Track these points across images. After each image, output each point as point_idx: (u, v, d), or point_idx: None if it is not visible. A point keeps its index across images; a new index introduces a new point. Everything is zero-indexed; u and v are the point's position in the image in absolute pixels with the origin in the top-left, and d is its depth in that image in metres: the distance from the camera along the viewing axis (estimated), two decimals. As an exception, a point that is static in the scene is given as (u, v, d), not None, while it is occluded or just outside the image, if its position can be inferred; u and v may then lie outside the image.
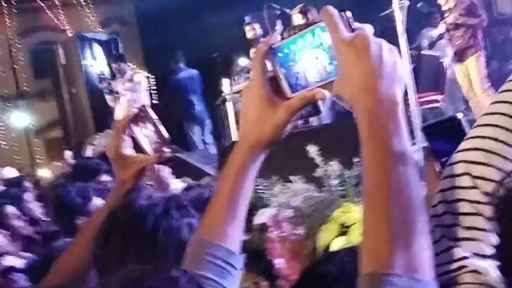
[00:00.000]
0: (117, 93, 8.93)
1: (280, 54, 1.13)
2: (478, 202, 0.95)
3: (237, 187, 1.19)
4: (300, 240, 2.68)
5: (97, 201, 3.03)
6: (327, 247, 2.64)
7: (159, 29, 11.25)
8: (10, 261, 3.79)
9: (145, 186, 1.92)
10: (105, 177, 3.98)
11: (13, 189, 5.38)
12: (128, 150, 1.74)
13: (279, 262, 2.69)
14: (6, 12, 15.65)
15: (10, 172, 7.96)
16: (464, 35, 7.45)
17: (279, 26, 6.87)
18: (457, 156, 1.00)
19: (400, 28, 4.92)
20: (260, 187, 3.06)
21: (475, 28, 7.48)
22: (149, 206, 1.52)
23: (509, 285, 0.92)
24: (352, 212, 2.51)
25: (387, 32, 6.29)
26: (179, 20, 11.02)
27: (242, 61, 8.29)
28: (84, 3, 16.16)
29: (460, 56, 7.56)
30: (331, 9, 1.02)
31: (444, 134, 1.21)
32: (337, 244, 2.62)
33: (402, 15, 4.89)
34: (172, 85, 10.28)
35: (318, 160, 2.71)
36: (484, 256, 0.93)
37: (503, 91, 1.02)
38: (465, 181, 0.97)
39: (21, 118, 13.58)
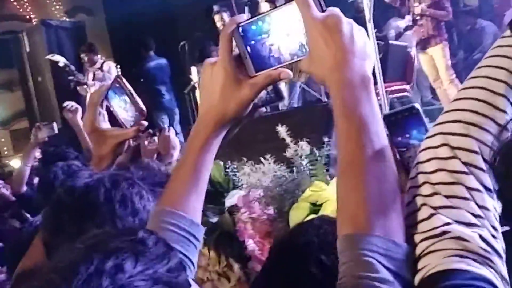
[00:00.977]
0: (86, 84, 8.82)
1: (248, 33, 1.14)
2: (458, 172, 0.96)
3: (201, 160, 1.21)
4: (271, 220, 2.68)
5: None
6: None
7: (126, 18, 11.12)
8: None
9: (89, 168, 1.82)
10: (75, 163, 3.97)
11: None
12: (104, 124, 1.70)
13: (250, 243, 2.69)
14: (-31, 1, 15.42)
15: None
16: (427, 24, 7.56)
17: (246, 14, 6.87)
18: (434, 129, 1.01)
19: (367, 15, 4.95)
20: (230, 169, 3.06)
21: (439, 19, 7.60)
22: (97, 182, 1.46)
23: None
24: (323, 191, 2.52)
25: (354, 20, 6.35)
26: (146, 9, 10.91)
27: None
28: (49, -8, 15.97)
29: (423, 45, 7.69)
30: None
31: (403, 124, 1.22)
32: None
33: (369, 2, 4.91)
34: (139, 74, 10.19)
35: (288, 140, 2.71)
36: (467, 224, 0.93)
37: (477, 68, 1.03)
38: (444, 152, 0.98)
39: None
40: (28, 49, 10.55)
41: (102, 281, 0.78)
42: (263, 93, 1.24)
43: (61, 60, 8.92)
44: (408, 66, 8.15)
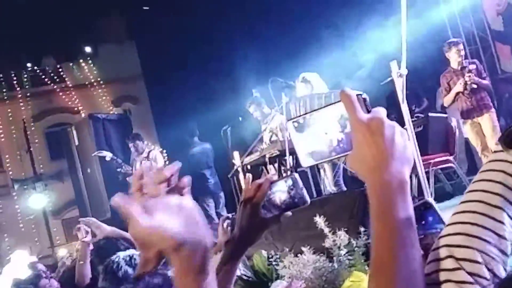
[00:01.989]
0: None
1: None
2: (464, 282, 1.00)
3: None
4: (314, 310, 2.71)
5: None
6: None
7: (170, 105, 11.44)
8: None
9: None
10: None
11: (28, 277, 5.38)
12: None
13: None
14: (20, 96, 16.03)
15: (21, 256, 7.91)
16: (473, 95, 7.51)
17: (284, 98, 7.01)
18: (440, 242, 1.06)
19: (400, 95, 4.89)
20: (273, 259, 3.11)
21: (486, 88, 7.58)
22: None
23: None
24: (363, 281, 2.54)
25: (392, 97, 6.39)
26: (189, 94, 11.22)
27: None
28: (96, 84, 16.54)
29: (468, 114, 7.60)
30: (349, 91, 1.09)
31: (419, 216, 1.28)
32: (350, 312, 2.65)
33: (401, 83, 4.87)
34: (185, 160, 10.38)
35: (326, 230, 2.77)
36: None
37: (476, 181, 1.09)
38: (449, 263, 1.02)
39: (38, 200, 13.70)
40: (77, 142, 10.89)
41: None
42: (286, 197, 1.33)
43: (108, 155, 9.26)
44: (449, 137, 8.07)
